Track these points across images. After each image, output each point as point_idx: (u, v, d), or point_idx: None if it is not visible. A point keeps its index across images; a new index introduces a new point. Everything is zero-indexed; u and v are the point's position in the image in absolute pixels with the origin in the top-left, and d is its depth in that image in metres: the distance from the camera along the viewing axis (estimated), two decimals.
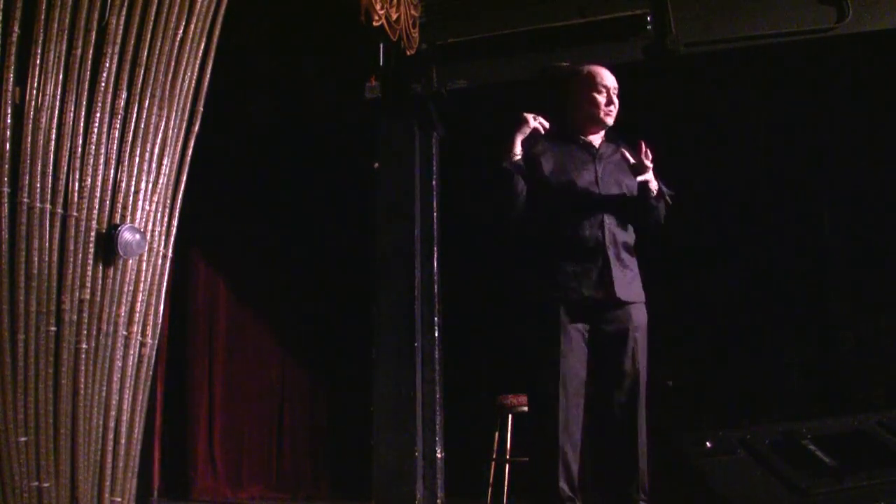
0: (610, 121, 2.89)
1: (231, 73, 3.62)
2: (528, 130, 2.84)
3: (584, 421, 2.70)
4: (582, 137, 2.91)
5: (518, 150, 2.83)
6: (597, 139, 2.93)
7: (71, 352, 2.04)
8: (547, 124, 2.85)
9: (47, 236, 2.00)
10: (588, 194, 2.77)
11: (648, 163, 2.73)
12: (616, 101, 2.89)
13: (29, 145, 1.97)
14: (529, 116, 2.84)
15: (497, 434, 4.47)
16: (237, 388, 5.44)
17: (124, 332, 2.20)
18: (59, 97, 2.04)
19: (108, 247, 2.11)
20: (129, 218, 2.19)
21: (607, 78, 2.90)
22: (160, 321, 2.35)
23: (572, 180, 2.78)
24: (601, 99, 2.86)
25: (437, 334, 4.16)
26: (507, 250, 3.12)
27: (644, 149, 2.74)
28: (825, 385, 4.62)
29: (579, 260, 2.73)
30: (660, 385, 4.61)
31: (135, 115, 2.22)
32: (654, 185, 2.77)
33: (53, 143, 2.02)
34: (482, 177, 2.96)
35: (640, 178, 2.76)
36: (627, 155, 2.88)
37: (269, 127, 5.33)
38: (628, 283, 2.74)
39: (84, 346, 2.06)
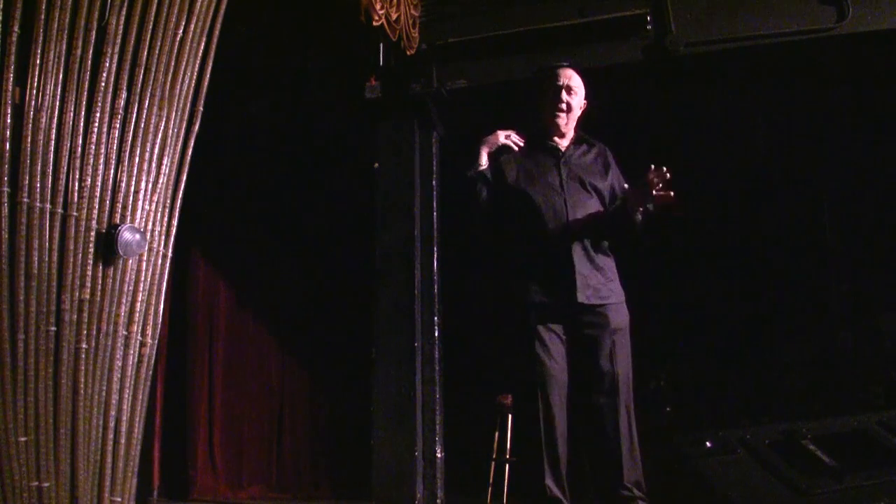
0: (560, 120, 2.85)
1: (231, 74, 3.62)
2: (496, 145, 2.88)
3: (570, 420, 2.69)
4: (548, 141, 2.89)
5: (484, 160, 2.86)
6: (564, 141, 2.90)
7: (71, 351, 2.04)
8: (521, 143, 2.88)
9: (47, 236, 2.00)
10: (551, 200, 2.75)
11: (654, 190, 2.56)
12: (567, 97, 2.85)
13: (29, 145, 1.97)
14: (501, 135, 2.88)
15: (497, 434, 4.47)
16: (237, 388, 5.44)
17: (124, 332, 2.20)
18: (58, 97, 2.04)
19: (107, 246, 2.11)
20: (128, 218, 2.19)
21: (561, 77, 2.87)
22: (160, 321, 2.35)
23: (535, 187, 2.77)
24: (551, 95, 2.85)
25: (436, 334, 4.16)
26: (481, 257, 3.12)
27: (656, 172, 2.55)
28: (825, 385, 4.62)
29: (546, 267, 2.72)
30: (658, 385, 4.62)
31: (135, 115, 2.22)
32: (638, 209, 2.70)
33: (53, 142, 2.02)
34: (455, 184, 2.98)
35: (632, 206, 2.68)
36: (610, 158, 2.88)
37: (269, 127, 5.33)
38: (600, 285, 2.71)
39: (84, 345, 2.06)
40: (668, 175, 2.55)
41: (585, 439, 2.80)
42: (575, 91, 2.87)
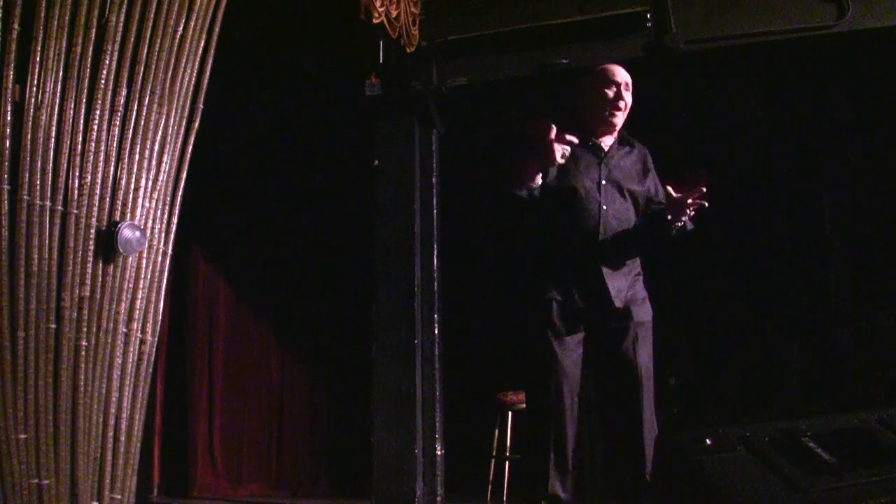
0: (617, 119, 2.76)
1: (231, 71, 3.61)
2: (555, 163, 2.62)
3: (578, 420, 2.69)
4: (592, 139, 2.79)
5: (538, 181, 2.66)
6: (608, 140, 2.81)
7: (71, 349, 2.04)
8: (569, 149, 2.62)
9: (47, 233, 2.00)
10: (586, 201, 2.69)
11: (690, 210, 2.57)
12: (626, 97, 2.76)
13: (29, 142, 1.97)
14: (558, 152, 2.58)
15: (497, 431, 4.48)
16: (237, 385, 5.45)
17: (124, 330, 2.20)
18: (58, 94, 2.03)
19: (107, 244, 2.10)
20: (128, 215, 2.18)
21: (618, 74, 2.78)
22: (160, 318, 2.35)
23: (573, 186, 2.69)
24: (610, 94, 2.74)
25: (436, 331, 4.16)
26: (511, 253, 3.06)
27: (687, 197, 2.56)
28: (825, 382, 4.62)
29: (575, 267, 2.69)
30: (662, 383, 4.62)
31: (135, 113, 2.21)
32: (679, 225, 2.65)
33: (53, 140, 2.02)
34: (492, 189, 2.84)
35: (672, 220, 2.63)
36: (649, 161, 2.83)
37: (269, 124, 5.34)
38: (627, 287, 2.70)
39: (84, 343, 2.06)
40: (703, 191, 2.54)
41: (606, 430, 2.80)
42: (630, 89, 2.79)
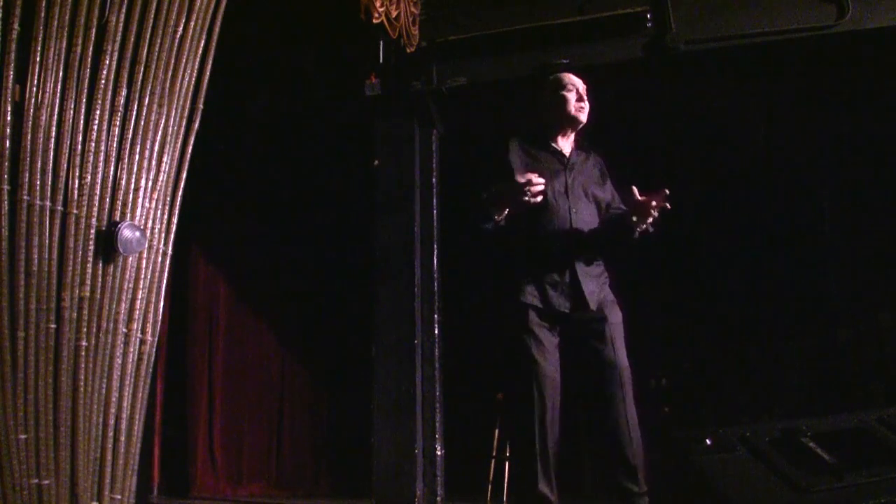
0: (582, 117, 2.82)
1: (231, 71, 3.61)
2: (530, 202, 2.56)
3: (574, 421, 2.70)
4: (552, 144, 2.86)
5: (504, 214, 2.64)
6: (567, 146, 2.88)
7: (71, 349, 2.03)
8: (541, 188, 2.55)
9: (47, 234, 2.00)
10: (556, 205, 2.75)
11: (654, 212, 2.61)
12: (586, 100, 2.83)
13: (29, 143, 1.97)
14: (535, 195, 2.53)
15: (497, 432, 4.48)
16: (237, 385, 5.44)
17: (124, 330, 2.20)
18: (58, 95, 2.03)
19: (107, 244, 2.10)
20: (128, 215, 2.18)
21: (575, 79, 2.86)
22: (160, 318, 2.35)
23: (542, 191, 2.65)
24: (571, 96, 2.81)
25: (436, 332, 4.17)
26: (481, 255, 3.08)
27: (651, 200, 2.60)
28: (825, 382, 4.62)
29: (548, 271, 2.72)
30: (657, 383, 4.62)
31: (135, 113, 2.21)
32: (641, 228, 2.69)
33: (53, 140, 2.02)
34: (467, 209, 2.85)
35: (637, 223, 2.66)
36: (605, 168, 2.87)
37: (269, 124, 5.34)
38: (598, 289, 2.75)
39: (84, 343, 2.06)
40: (666, 193, 2.58)
41: (590, 432, 2.80)
42: (585, 92, 2.85)
